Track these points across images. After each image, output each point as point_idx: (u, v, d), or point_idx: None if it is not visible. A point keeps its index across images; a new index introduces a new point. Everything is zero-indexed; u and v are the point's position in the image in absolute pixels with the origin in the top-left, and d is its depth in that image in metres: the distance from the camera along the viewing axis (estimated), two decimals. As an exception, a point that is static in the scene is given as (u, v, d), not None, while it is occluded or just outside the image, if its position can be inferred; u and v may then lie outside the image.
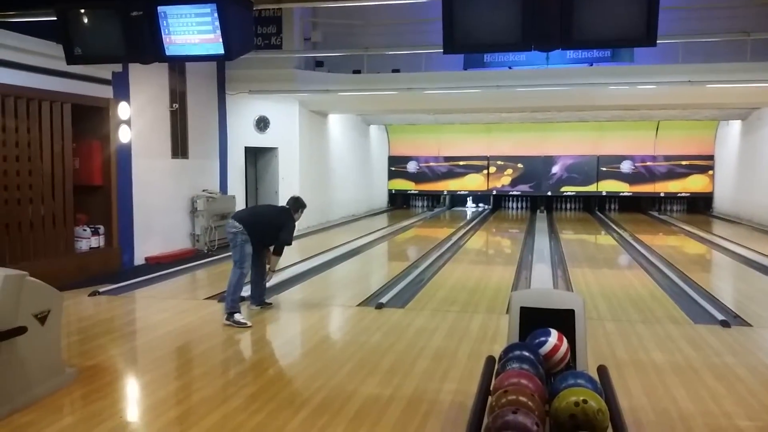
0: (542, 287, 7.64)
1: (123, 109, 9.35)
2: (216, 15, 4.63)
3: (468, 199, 20.61)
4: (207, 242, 11.13)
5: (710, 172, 18.25)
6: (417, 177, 20.20)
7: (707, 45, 12.48)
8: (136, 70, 9.51)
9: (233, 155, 12.78)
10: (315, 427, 3.83)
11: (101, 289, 7.72)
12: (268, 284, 6.87)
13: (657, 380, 4.60)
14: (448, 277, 8.79)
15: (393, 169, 20.39)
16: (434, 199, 20.71)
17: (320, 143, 15.20)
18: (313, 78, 13.25)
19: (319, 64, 14.28)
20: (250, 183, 13.71)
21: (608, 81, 12.37)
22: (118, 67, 9.10)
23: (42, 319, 4.26)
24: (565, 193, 19.38)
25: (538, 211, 18.89)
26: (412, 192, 20.44)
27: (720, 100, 13.50)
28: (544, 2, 4.16)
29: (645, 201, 19.15)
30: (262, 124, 13.21)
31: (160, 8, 4.73)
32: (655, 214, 18.31)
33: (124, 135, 9.37)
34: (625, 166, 18.82)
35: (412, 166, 20.20)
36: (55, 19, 5.00)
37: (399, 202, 20.64)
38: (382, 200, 20.20)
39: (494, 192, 19.81)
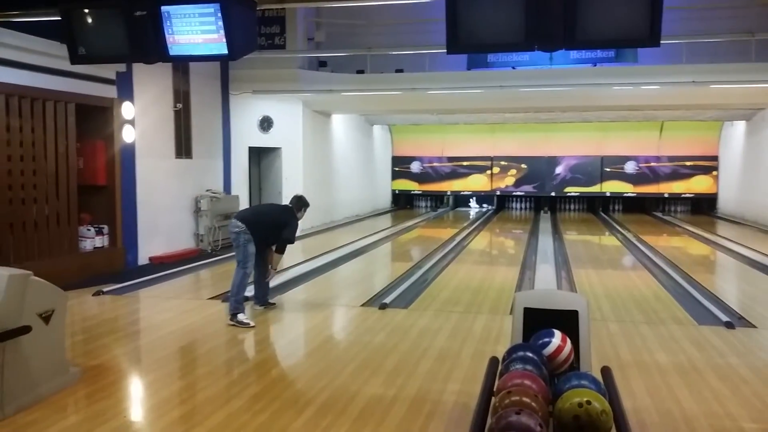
0: (546, 288, 7.62)
1: (127, 109, 9.37)
2: (219, 15, 4.64)
3: (471, 199, 20.59)
4: (211, 242, 11.14)
5: (714, 172, 18.20)
6: (420, 177, 20.19)
7: (711, 45, 12.45)
8: (139, 70, 9.53)
9: (237, 155, 12.80)
10: (318, 427, 3.83)
11: (105, 289, 7.74)
12: (270, 283, 6.88)
13: (661, 381, 4.59)
14: (451, 278, 8.79)
15: (396, 169, 20.39)
16: (438, 199, 20.70)
17: (324, 143, 15.20)
18: (316, 78, 13.26)
19: (322, 64, 14.28)
20: (253, 183, 13.73)
21: (612, 81, 12.33)
22: (122, 67, 9.13)
23: (46, 318, 4.27)
24: (568, 194, 19.35)
25: (542, 211, 18.85)
26: (416, 192, 20.43)
27: (724, 100, 13.46)
28: (547, 2, 4.15)
29: (649, 202, 19.10)
30: (266, 124, 13.22)
31: (163, 8, 4.75)
32: (659, 214, 18.27)
33: (128, 135, 9.39)
34: (629, 167, 18.79)
35: (415, 167, 20.19)
36: (59, 18, 5.02)
37: (402, 202, 20.63)
38: (386, 200, 20.20)
39: (498, 192, 19.79)
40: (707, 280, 8.66)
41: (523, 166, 19.38)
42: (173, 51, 4.85)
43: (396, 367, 4.94)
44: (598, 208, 19.28)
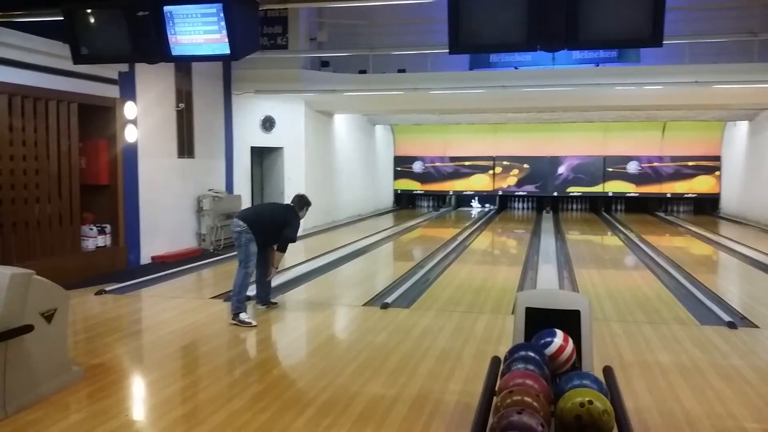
0: (548, 288, 7.63)
1: (129, 109, 9.39)
2: (222, 15, 4.64)
3: (474, 199, 20.58)
4: (213, 241, 11.16)
5: (717, 173, 18.17)
6: (423, 177, 20.19)
7: (714, 45, 12.44)
8: (142, 70, 9.55)
9: (239, 155, 12.82)
10: (320, 426, 3.83)
11: (107, 288, 7.75)
12: (271, 282, 6.88)
13: (663, 381, 4.58)
14: (453, 278, 8.79)
15: (399, 169, 20.39)
16: (440, 199, 20.69)
17: (326, 143, 15.21)
18: (318, 78, 13.27)
19: (324, 64, 14.29)
20: (255, 183, 13.74)
21: (614, 81, 12.32)
22: (124, 67, 9.14)
23: (48, 317, 4.28)
24: (571, 194, 19.33)
25: (544, 211, 18.84)
26: (418, 192, 20.42)
27: (727, 100, 13.44)
28: (549, 2, 4.15)
29: (651, 202, 19.07)
30: (268, 123, 13.23)
31: (166, 8, 4.76)
32: (662, 215, 18.24)
33: (130, 134, 9.40)
34: (632, 167, 18.76)
35: (417, 166, 20.19)
36: (62, 18, 5.03)
37: (404, 202, 20.63)
38: (388, 200, 20.20)
39: (500, 192, 19.77)
40: (710, 280, 8.65)
41: (526, 166, 19.37)
42: (175, 51, 4.86)
43: (398, 367, 4.93)
44: (600, 208, 19.25)
